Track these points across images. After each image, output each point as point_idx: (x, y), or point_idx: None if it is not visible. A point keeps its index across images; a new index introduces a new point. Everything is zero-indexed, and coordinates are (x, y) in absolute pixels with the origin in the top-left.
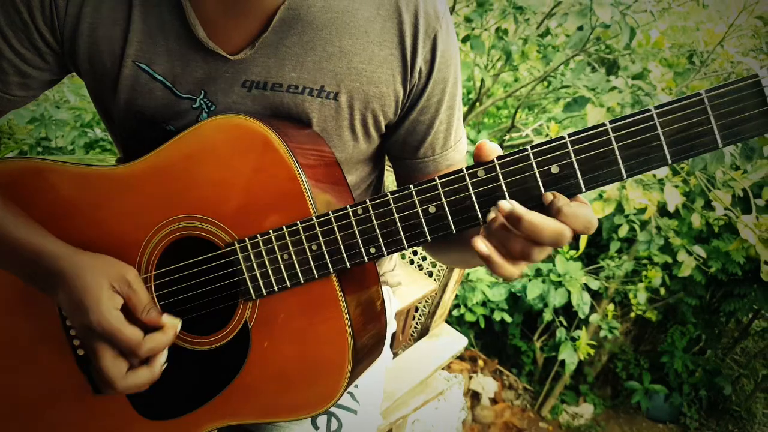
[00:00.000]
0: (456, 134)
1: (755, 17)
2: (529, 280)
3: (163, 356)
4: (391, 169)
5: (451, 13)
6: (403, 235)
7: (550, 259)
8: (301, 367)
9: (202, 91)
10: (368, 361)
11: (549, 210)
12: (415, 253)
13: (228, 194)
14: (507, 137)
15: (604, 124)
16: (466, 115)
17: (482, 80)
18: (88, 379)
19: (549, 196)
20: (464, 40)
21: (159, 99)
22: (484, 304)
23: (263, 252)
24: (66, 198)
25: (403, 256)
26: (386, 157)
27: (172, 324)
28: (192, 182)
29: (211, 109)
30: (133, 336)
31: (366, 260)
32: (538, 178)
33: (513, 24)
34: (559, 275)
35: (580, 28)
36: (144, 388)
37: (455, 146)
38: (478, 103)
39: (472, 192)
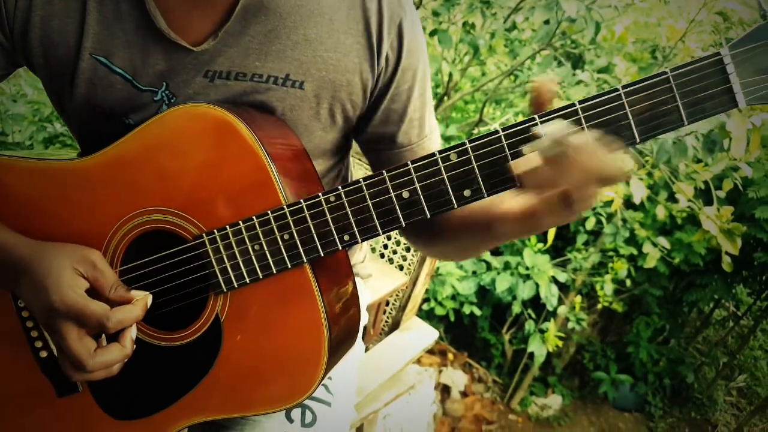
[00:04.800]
0: (430, 124)
1: (715, 13)
2: (498, 273)
3: (132, 330)
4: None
5: (418, 7)
6: (377, 222)
7: (518, 252)
8: (275, 359)
9: (164, 83)
10: (343, 350)
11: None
12: (385, 246)
13: (194, 185)
14: (475, 131)
15: (573, 104)
16: (434, 110)
17: (450, 74)
18: (51, 382)
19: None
20: (432, 33)
21: (119, 92)
22: (453, 297)
23: (233, 243)
24: (21, 195)
25: (373, 250)
26: (351, 151)
27: (142, 297)
28: (156, 174)
29: (172, 101)
30: (100, 308)
31: (340, 248)
32: (511, 160)
33: (480, 18)
34: (527, 268)
35: (547, 22)
36: (116, 369)
37: (430, 135)
38: (446, 98)
39: (445, 175)
